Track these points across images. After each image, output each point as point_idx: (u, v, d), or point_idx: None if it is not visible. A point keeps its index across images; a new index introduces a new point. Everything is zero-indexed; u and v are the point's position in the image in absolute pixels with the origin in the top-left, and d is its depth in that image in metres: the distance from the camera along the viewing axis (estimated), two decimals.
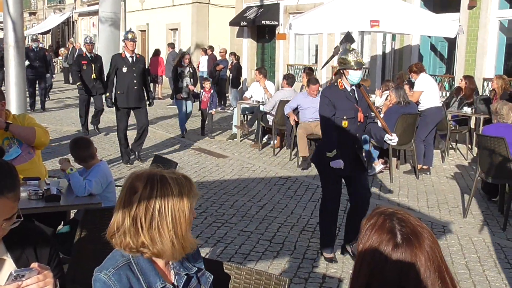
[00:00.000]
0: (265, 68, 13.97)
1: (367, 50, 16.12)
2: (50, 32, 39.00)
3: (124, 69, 9.11)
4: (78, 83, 11.98)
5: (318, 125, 9.38)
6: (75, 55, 22.27)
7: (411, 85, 9.59)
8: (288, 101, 10.05)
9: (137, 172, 2.00)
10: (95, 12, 26.83)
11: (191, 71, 12.09)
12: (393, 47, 15.59)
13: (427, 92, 9.11)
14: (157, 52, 20.40)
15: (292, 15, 18.45)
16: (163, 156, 7.39)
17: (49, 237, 2.11)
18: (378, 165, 9.03)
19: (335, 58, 6.66)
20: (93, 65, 11.93)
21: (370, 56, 16.30)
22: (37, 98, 16.46)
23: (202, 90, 12.21)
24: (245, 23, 20.44)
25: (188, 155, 10.37)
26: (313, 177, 8.85)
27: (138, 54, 9.33)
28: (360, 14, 10.23)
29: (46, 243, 2.05)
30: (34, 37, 16.40)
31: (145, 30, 26.72)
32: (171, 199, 1.90)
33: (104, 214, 3.78)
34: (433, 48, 15.21)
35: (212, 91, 12.28)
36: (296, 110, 9.71)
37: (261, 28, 20.98)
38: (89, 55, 12.05)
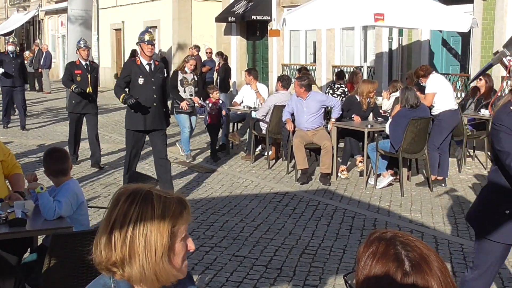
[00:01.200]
0: (256, 69, 14.01)
1: (371, 47, 16.20)
2: (13, 33, 38.94)
3: (141, 81, 8.00)
4: (75, 87, 10.23)
5: (315, 134, 9.41)
6: (42, 59, 22.14)
7: (420, 89, 9.60)
8: (283, 106, 10.05)
9: (128, 185, 2.05)
10: (64, 10, 26.86)
11: (195, 78, 11.16)
12: (400, 43, 15.67)
13: (441, 94, 9.14)
14: (133, 54, 20.38)
15: (286, 9, 18.52)
16: (141, 172, 7.37)
17: (13, 266, 2.09)
18: (387, 177, 9.04)
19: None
20: (89, 76, 10.43)
21: (375, 54, 16.36)
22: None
23: (207, 101, 11.24)
24: (233, 19, 20.49)
25: (171, 170, 10.32)
26: (314, 192, 8.85)
27: (156, 60, 8.33)
28: (363, 6, 10.28)
29: (10, 273, 2.03)
30: (10, 39, 15.34)
31: (120, 29, 26.74)
32: (149, 218, 1.91)
33: (76, 239, 3.76)
34: (445, 43, 15.30)
35: (221, 101, 11.45)
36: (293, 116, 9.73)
37: (251, 24, 21.04)
38: (84, 63, 10.45)
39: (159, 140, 8.19)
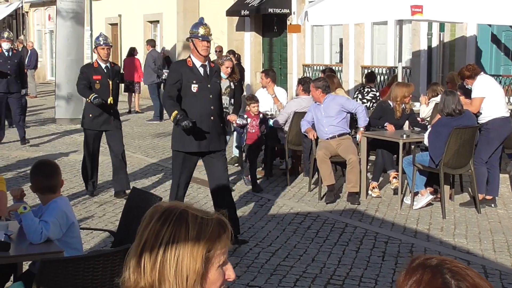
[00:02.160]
0: (274, 70, 14.03)
1: (408, 44, 16.19)
2: None
3: (194, 87, 7.17)
4: (94, 97, 9.15)
5: (339, 144, 9.41)
6: (27, 58, 22.12)
7: (465, 92, 9.57)
8: (304, 113, 10.07)
9: (163, 202, 2.10)
10: (52, 2, 27.13)
11: (232, 86, 10.44)
12: (441, 40, 15.64)
13: (490, 98, 9.11)
14: (132, 52, 20.55)
15: (308, 1, 18.58)
16: (143, 189, 7.41)
17: None
18: (426, 195, 9.01)
19: None
20: (110, 83, 9.42)
21: (411, 53, 16.35)
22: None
23: (245, 115, 10.33)
24: (247, 12, 20.58)
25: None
26: (340, 213, 8.84)
27: (212, 62, 7.64)
28: None
29: None
30: (5, 34, 14.40)
31: (116, 24, 26.94)
32: (182, 240, 1.95)
33: (68, 266, 3.78)
34: (495, 40, 15.26)
35: (261, 116, 10.48)
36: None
37: (268, 18, 21.11)
38: (103, 65, 9.46)
39: (219, 163, 7.38)
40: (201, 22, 7.39)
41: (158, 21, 24.54)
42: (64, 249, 4.37)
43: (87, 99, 9.28)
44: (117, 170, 9.64)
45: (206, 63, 7.30)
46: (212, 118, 7.25)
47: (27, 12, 35.64)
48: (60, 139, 14.93)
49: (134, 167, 11.85)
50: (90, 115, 9.40)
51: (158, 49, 21.50)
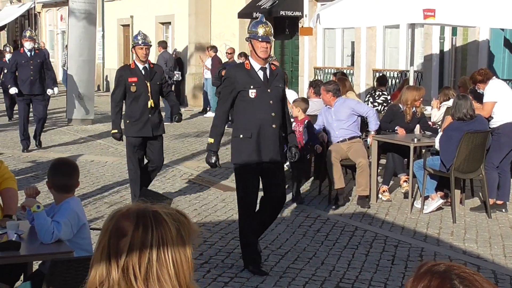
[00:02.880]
0: (286, 72, 14.06)
1: (419, 48, 16.16)
2: (6, 28, 39.57)
3: (252, 93, 6.58)
4: (114, 133, 8.81)
5: (350, 147, 9.41)
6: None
7: (477, 97, 9.55)
8: (315, 115, 10.07)
9: (121, 209, 2.01)
10: (64, 3, 27.23)
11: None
12: (453, 44, 15.61)
13: (502, 103, 9.09)
14: None
15: (320, 4, 18.57)
16: (152, 190, 7.43)
17: None
18: (436, 200, 9.00)
19: None
20: (148, 85, 8.72)
21: (423, 56, 16.32)
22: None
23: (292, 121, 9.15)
24: (258, 15, 20.52)
25: (185, 188, 10.40)
26: (350, 216, 8.83)
27: (273, 64, 7.03)
28: (410, 1, 10.28)
29: None
30: (27, 33, 13.58)
31: (128, 25, 27.01)
32: (171, 241, 1.94)
33: (78, 266, 3.80)
34: (508, 44, 15.21)
35: (307, 121, 9.79)
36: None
37: (279, 20, 21.11)
38: (141, 66, 8.75)
39: (279, 174, 6.82)
40: (260, 21, 6.75)
41: (170, 23, 24.59)
42: (74, 250, 4.39)
43: (112, 129, 8.91)
44: (143, 180, 8.90)
45: (267, 66, 6.74)
46: (273, 126, 6.63)
47: (39, 12, 35.80)
48: (71, 140, 14.98)
49: None
50: (128, 121, 8.75)
51: (170, 50, 21.55)
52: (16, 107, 17.23)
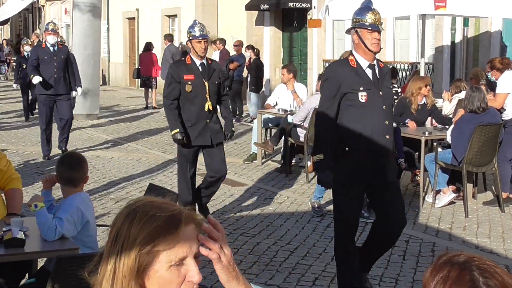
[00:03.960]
0: (294, 65, 14.03)
1: (430, 39, 16.12)
2: (9, 22, 39.63)
3: (363, 96, 5.58)
4: (176, 133, 7.62)
5: None
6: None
7: (490, 86, 9.54)
8: None
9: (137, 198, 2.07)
10: None
11: None
12: (465, 35, 15.56)
13: None
14: (148, 47, 20.57)
15: None
16: (159, 185, 7.43)
17: None
18: (448, 194, 8.98)
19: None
20: (206, 84, 7.76)
21: (434, 48, 16.27)
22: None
23: None
24: (266, 7, 20.56)
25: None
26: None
27: (380, 61, 6.00)
28: None
29: None
30: (50, 26, 12.37)
31: (134, 18, 27.04)
32: (123, 237, 1.93)
33: (84, 263, 3.80)
34: None
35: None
36: None
37: (288, 12, 21.08)
38: (198, 62, 7.80)
39: (394, 195, 5.79)
40: (368, 7, 5.71)
41: (176, 15, 24.58)
42: (79, 248, 4.40)
43: (170, 131, 7.73)
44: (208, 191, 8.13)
45: (375, 62, 5.72)
46: (387, 137, 5.59)
47: (43, 6, 35.86)
48: (76, 135, 15.00)
49: (151, 163, 11.89)
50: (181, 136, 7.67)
51: (176, 43, 21.54)
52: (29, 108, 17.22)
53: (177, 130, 7.53)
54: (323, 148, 5.59)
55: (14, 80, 18.36)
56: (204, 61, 7.78)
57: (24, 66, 15.96)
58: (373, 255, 5.94)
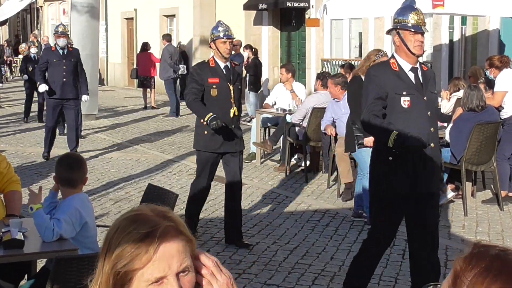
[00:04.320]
0: (293, 64, 14.05)
1: (429, 38, 16.12)
2: (7, 23, 39.61)
3: (406, 101, 5.28)
4: (211, 118, 6.86)
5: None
6: (42, 52, 21.85)
7: (489, 84, 9.54)
8: (323, 108, 10.06)
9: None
10: None
11: None
12: (463, 33, 15.55)
13: None
14: (145, 47, 20.55)
15: None
16: (159, 185, 7.42)
17: None
18: (447, 193, 8.98)
19: None
20: (231, 88, 7.24)
21: (432, 46, 16.28)
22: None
23: None
24: (264, 6, 20.58)
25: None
26: None
27: (422, 64, 5.66)
28: None
29: None
30: (60, 29, 12.02)
31: (132, 18, 27.02)
32: (102, 253, 1.90)
33: (83, 263, 3.81)
34: None
35: None
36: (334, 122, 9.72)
37: (286, 12, 21.09)
38: (222, 65, 7.26)
39: (431, 208, 5.46)
40: (411, 6, 5.44)
41: (174, 15, 24.58)
42: (79, 248, 4.40)
43: (202, 120, 7.04)
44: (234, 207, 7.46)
45: (418, 65, 5.38)
46: (432, 146, 5.27)
47: (41, 6, 35.84)
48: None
49: (150, 163, 11.89)
50: (206, 132, 7.11)
51: (174, 43, 21.54)
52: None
53: (210, 114, 6.84)
54: (390, 130, 5.08)
55: (21, 75, 18.43)
56: (228, 63, 7.27)
57: (31, 69, 15.97)
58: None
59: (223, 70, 7.19)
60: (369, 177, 5.50)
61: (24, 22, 40.10)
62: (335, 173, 9.86)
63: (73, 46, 13.03)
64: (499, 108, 9.06)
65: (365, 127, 5.42)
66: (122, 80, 27.84)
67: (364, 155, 7.51)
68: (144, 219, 1.88)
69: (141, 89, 20.56)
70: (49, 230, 4.36)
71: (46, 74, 11.83)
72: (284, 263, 6.79)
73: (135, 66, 21.83)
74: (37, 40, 26.77)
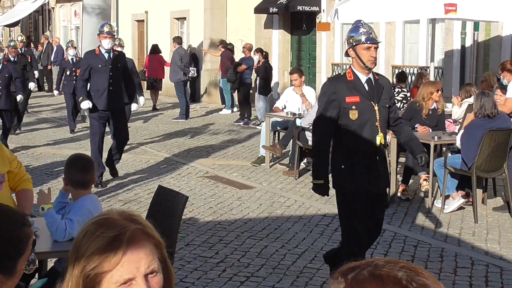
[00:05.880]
0: (302, 69, 14.04)
1: (440, 43, 16.10)
2: (20, 24, 39.76)
3: None
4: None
5: None
6: (52, 54, 21.74)
7: (503, 88, 9.52)
8: None
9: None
10: None
11: None
12: (475, 39, 15.53)
13: None
14: (155, 49, 20.59)
15: None
16: (168, 187, 7.43)
17: None
18: (457, 199, 8.95)
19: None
20: (376, 109, 5.75)
21: (444, 52, 16.25)
22: None
23: None
24: (275, 10, 20.58)
25: (201, 185, 10.41)
26: None
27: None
28: None
29: None
30: (107, 28, 10.24)
31: (143, 20, 27.08)
32: (71, 257, 1.94)
33: None
34: None
35: None
36: None
37: (296, 15, 21.09)
38: (364, 78, 5.73)
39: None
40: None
41: (185, 18, 24.62)
42: None
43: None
44: None
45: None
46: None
47: (53, 8, 35.96)
48: (84, 136, 15.03)
49: (160, 165, 11.91)
50: (343, 166, 5.72)
51: (185, 46, 21.58)
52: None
53: (323, 181, 5.80)
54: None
55: (55, 87, 18.22)
56: (371, 76, 5.76)
57: (68, 73, 15.42)
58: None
59: (365, 85, 5.72)
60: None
61: (36, 24, 40.22)
62: None
63: (118, 50, 11.40)
64: (511, 115, 9.03)
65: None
66: None
67: None
68: (112, 222, 1.93)
69: (149, 90, 20.71)
70: (61, 230, 4.38)
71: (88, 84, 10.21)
72: (293, 267, 6.78)
73: (142, 68, 21.92)
74: (48, 41, 26.80)
